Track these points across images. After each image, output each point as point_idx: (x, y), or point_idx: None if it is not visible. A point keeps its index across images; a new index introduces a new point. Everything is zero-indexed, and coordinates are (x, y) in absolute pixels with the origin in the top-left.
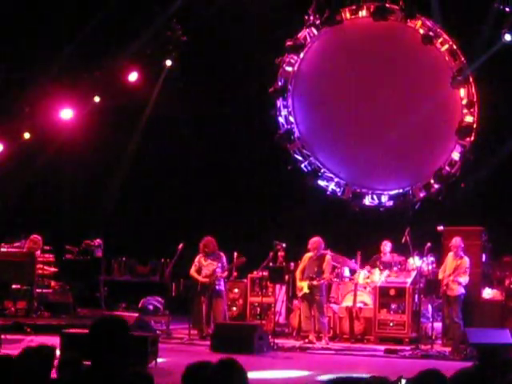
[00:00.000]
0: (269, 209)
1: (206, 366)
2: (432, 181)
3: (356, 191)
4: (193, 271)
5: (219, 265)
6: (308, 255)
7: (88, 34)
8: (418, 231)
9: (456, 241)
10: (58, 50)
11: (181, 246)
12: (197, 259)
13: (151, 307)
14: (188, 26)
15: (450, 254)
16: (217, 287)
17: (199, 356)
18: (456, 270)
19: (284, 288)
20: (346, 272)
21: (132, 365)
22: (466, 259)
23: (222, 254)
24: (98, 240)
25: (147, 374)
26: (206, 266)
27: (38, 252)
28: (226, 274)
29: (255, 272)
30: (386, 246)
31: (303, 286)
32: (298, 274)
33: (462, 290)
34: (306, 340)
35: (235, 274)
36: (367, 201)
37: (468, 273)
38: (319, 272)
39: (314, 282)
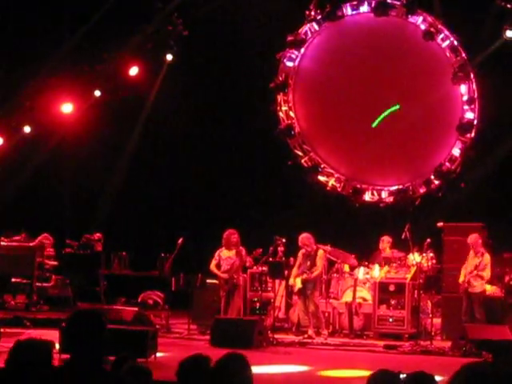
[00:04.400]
0: (269, 204)
1: (201, 361)
2: (432, 177)
3: (356, 187)
4: (212, 266)
5: (238, 259)
6: (302, 251)
7: (89, 28)
8: (417, 227)
9: (472, 238)
10: (58, 44)
11: (180, 240)
12: (217, 253)
13: (151, 302)
14: (189, 20)
15: (471, 252)
16: (235, 282)
17: (198, 351)
18: (477, 266)
19: (283, 283)
20: (346, 268)
21: (131, 358)
22: (487, 256)
23: (242, 248)
24: (98, 234)
25: (146, 368)
26: (225, 260)
27: (50, 250)
28: (242, 266)
29: (255, 267)
30: (384, 241)
31: (297, 283)
32: (294, 270)
33: (484, 287)
34: (306, 335)
35: (253, 264)
36: (367, 196)
37: (489, 269)
38: (311, 267)
39: (304, 276)
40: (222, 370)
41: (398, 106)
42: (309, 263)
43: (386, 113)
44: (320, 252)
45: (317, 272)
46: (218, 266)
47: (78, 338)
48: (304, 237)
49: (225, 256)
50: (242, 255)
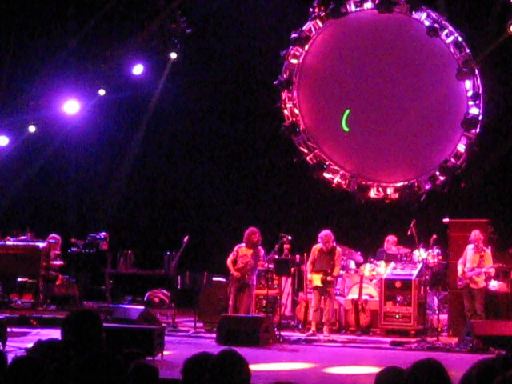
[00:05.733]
0: (274, 201)
1: (206, 358)
2: (437, 173)
3: (361, 183)
4: (229, 261)
5: (253, 259)
6: (317, 247)
7: (93, 27)
8: (423, 223)
9: (475, 234)
10: (63, 43)
11: (186, 238)
12: (236, 248)
13: (157, 300)
14: (193, 18)
15: (470, 247)
16: (246, 281)
17: (205, 349)
18: (480, 263)
19: (290, 280)
20: (352, 264)
21: (139, 357)
22: (489, 251)
23: (260, 248)
24: (104, 233)
25: (153, 367)
26: (242, 257)
27: (58, 251)
28: (256, 266)
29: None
30: (389, 241)
31: (315, 279)
32: (308, 265)
33: (486, 283)
34: (311, 332)
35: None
36: (373, 193)
37: (494, 265)
38: (332, 265)
39: (329, 278)
40: (219, 368)
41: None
42: (329, 262)
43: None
44: (338, 250)
45: (337, 271)
46: (235, 261)
47: (75, 337)
48: (326, 234)
49: (242, 253)
50: (260, 256)
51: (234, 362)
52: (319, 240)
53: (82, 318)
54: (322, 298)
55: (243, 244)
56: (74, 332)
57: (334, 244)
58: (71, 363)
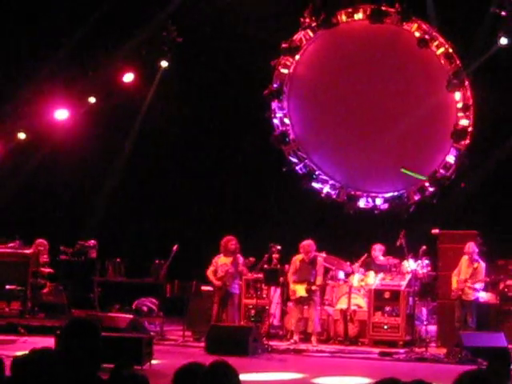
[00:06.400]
0: (264, 211)
1: (197, 369)
2: (427, 184)
3: (351, 194)
4: (209, 272)
5: (233, 266)
6: (299, 257)
7: (83, 34)
8: (412, 234)
9: (469, 246)
10: (53, 50)
11: (175, 247)
12: (214, 259)
13: (145, 308)
14: (183, 27)
15: (465, 258)
16: (228, 289)
17: (194, 358)
18: (473, 275)
19: (279, 290)
20: (341, 274)
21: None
22: (483, 264)
23: (239, 255)
24: (93, 241)
25: (142, 376)
26: (221, 266)
27: (45, 256)
28: (238, 275)
29: (250, 274)
30: (376, 249)
31: (297, 290)
32: (290, 276)
33: (478, 295)
34: (292, 341)
35: (248, 273)
36: (362, 203)
37: (485, 279)
38: (314, 275)
39: (313, 287)
40: (208, 380)
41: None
42: (311, 271)
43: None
44: (319, 259)
45: (320, 280)
46: (215, 272)
47: (73, 347)
48: (307, 244)
49: (221, 263)
50: (239, 263)
51: (226, 374)
52: (300, 250)
53: (81, 328)
54: (305, 307)
55: (221, 254)
56: (72, 341)
57: (316, 253)
58: (64, 373)
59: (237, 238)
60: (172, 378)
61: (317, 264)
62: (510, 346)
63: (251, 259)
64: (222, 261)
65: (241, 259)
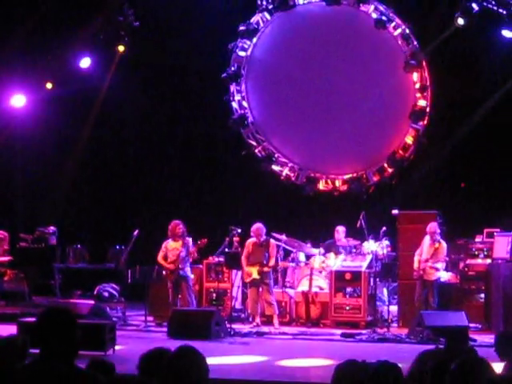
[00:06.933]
0: (223, 194)
1: (162, 354)
2: (386, 165)
3: (310, 176)
4: (160, 257)
5: (183, 249)
6: (251, 241)
7: (40, 19)
8: (372, 215)
9: (431, 226)
10: (8, 34)
11: (136, 232)
12: (164, 244)
13: (106, 294)
14: (140, 10)
15: (427, 238)
16: (181, 272)
17: (156, 343)
18: (434, 255)
19: (240, 273)
20: (302, 257)
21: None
22: (444, 244)
23: (188, 238)
24: (52, 227)
25: (108, 362)
26: (171, 251)
27: (5, 246)
28: (190, 258)
29: (211, 257)
30: (339, 232)
31: (252, 272)
32: (243, 260)
33: (439, 275)
34: (254, 324)
35: (197, 256)
36: (321, 185)
37: (445, 259)
38: (268, 257)
39: (265, 269)
40: (174, 364)
41: None
42: (264, 254)
43: None
44: (272, 242)
45: (273, 262)
46: (166, 257)
47: (50, 336)
48: (257, 227)
49: (171, 247)
50: (189, 246)
51: (192, 359)
52: (252, 234)
53: (57, 318)
54: (260, 289)
55: (169, 239)
56: (49, 332)
57: (266, 237)
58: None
59: (184, 222)
60: (137, 363)
61: (269, 246)
62: (470, 325)
63: (203, 240)
64: (171, 245)
65: (190, 242)
